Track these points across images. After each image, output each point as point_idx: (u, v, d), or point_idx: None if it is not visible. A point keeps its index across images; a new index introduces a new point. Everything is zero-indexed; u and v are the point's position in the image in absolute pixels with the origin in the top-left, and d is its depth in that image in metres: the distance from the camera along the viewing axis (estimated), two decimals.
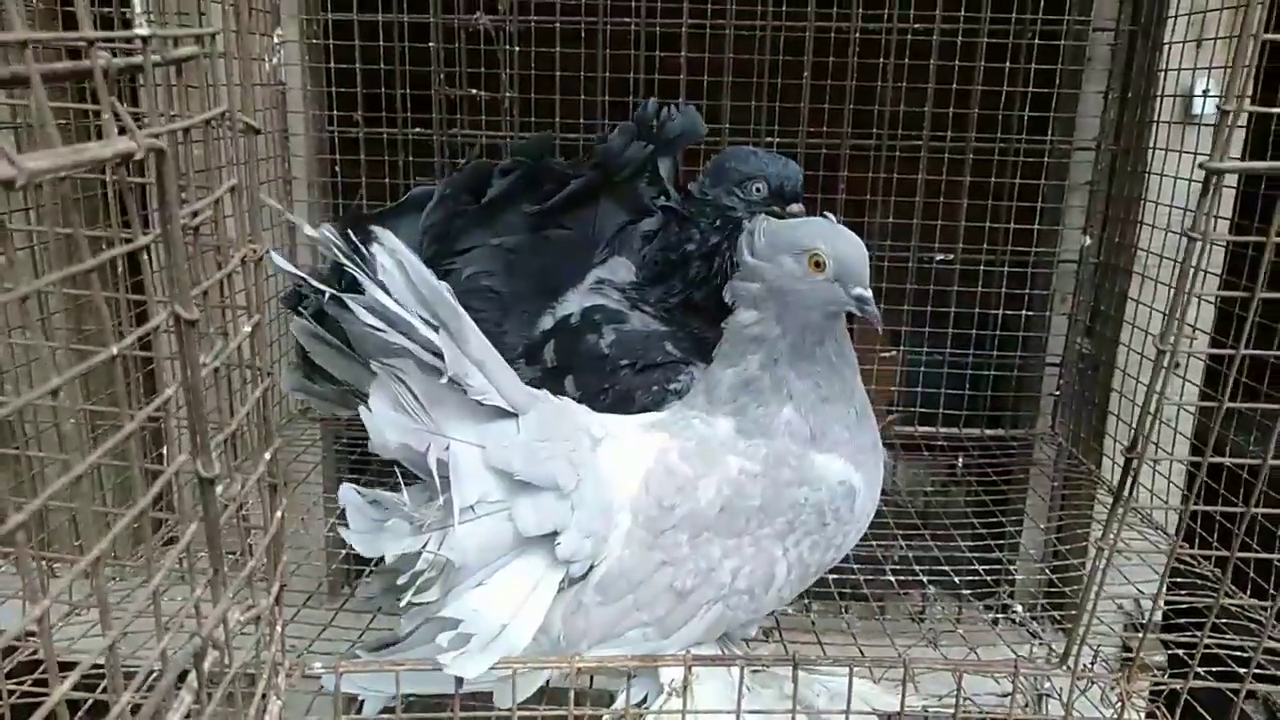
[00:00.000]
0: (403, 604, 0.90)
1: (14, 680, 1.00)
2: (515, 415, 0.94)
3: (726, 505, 0.98)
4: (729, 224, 1.29)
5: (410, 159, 1.75)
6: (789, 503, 0.99)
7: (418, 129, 1.75)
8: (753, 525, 0.99)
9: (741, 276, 1.03)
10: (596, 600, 0.95)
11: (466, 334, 0.91)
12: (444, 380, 0.89)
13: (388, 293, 0.86)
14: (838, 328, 1.03)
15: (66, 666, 0.51)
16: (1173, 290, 0.72)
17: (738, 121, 1.71)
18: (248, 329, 0.65)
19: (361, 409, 0.90)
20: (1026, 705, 1.06)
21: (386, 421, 0.90)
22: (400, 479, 0.92)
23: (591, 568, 0.96)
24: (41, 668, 1.05)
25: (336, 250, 0.88)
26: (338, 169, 1.78)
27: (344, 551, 1.42)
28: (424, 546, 0.89)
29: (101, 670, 0.56)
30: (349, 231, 0.89)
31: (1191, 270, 0.69)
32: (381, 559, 0.93)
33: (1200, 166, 0.67)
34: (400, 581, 0.90)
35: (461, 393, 0.91)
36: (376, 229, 0.89)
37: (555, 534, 0.93)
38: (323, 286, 0.88)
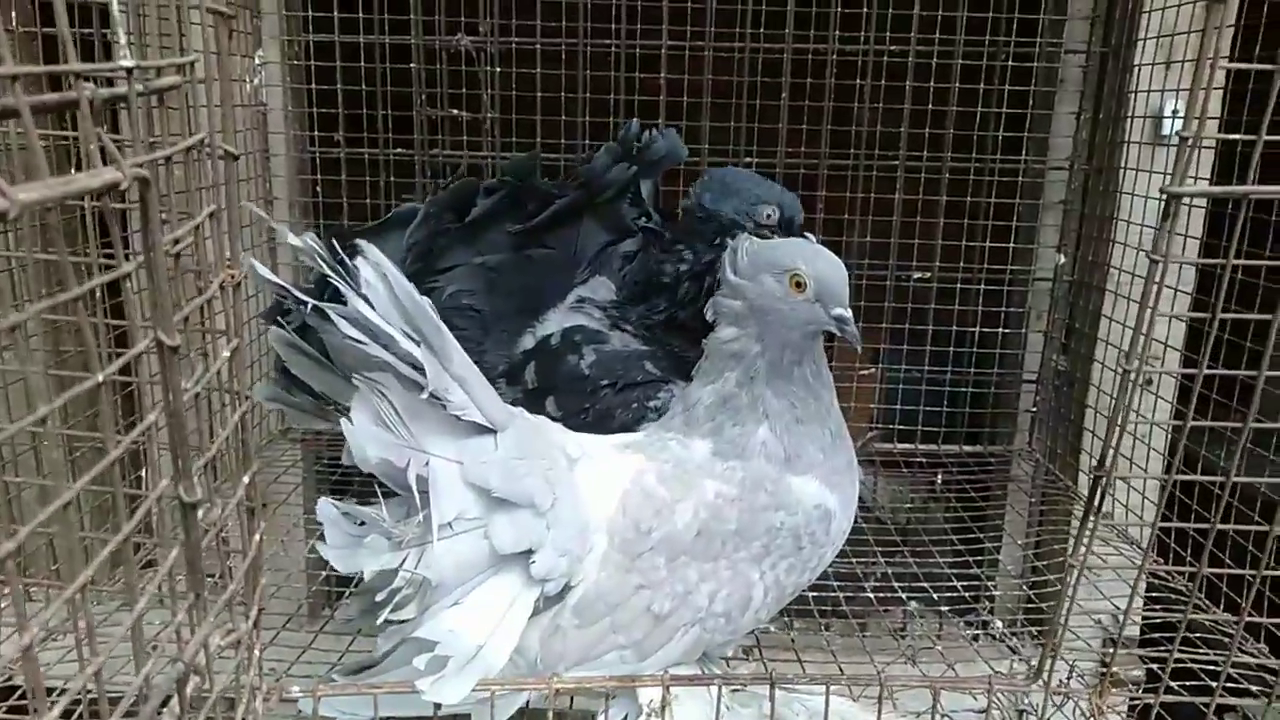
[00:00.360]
0: (379, 621, 0.90)
1: None
2: (494, 432, 0.94)
3: (703, 529, 0.99)
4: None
5: (392, 179, 1.75)
6: (765, 527, 1.00)
7: (399, 149, 1.76)
8: (729, 549, 1.00)
9: (724, 294, 1.04)
10: (574, 623, 0.96)
11: (448, 350, 0.91)
12: (424, 395, 0.89)
13: (371, 305, 0.87)
14: (816, 348, 1.04)
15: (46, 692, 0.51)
16: (1138, 309, 0.74)
17: (717, 141, 1.73)
18: (226, 353, 0.66)
19: (343, 421, 0.90)
20: None
21: (367, 435, 0.90)
22: (380, 495, 0.92)
23: (568, 589, 0.96)
24: (18, 694, 1.05)
25: (320, 259, 0.88)
26: (319, 189, 1.78)
27: (324, 573, 1.41)
28: (402, 564, 0.90)
29: (75, 698, 0.56)
30: (333, 242, 0.90)
31: (1155, 290, 0.71)
32: (360, 580, 0.93)
33: (1161, 191, 0.69)
34: (378, 599, 0.90)
35: (441, 408, 0.91)
36: (361, 243, 0.89)
37: (531, 552, 0.93)
38: (305, 297, 0.88)
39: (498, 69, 1.72)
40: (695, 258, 1.31)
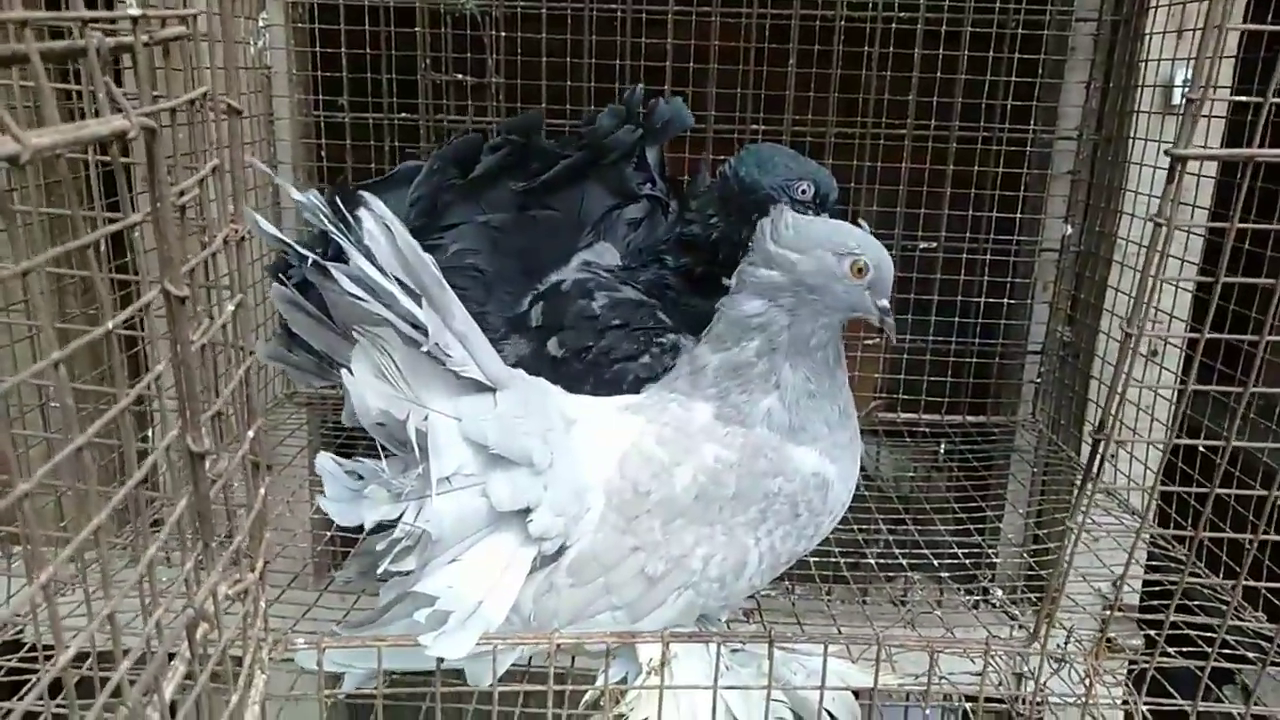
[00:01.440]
0: (379, 571, 0.91)
1: None
2: (493, 390, 0.95)
3: (701, 493, 0.99)
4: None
5: (396, 144, 1.75)
6: (763, 493, 1.01)
7: (404, 114, 1.75)
8: (726, 514, 1.00)
9: (756, 262, 1.02)
10: (568, 582, 0.96)
11: (450, 306, 0.91)
12: (424, 350, 0.89)
13: (372, 259, 0.87)
14: (840, 328, 1.04)
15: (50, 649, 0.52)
16: (1139, 275, 0.74)
17: (723, 108, 1.72)
18: (231, 308, 0.66)
19: (344, 373, 0.91)
20: (1001, 684, 1.08)
21: (367, 386, 0.90)
22: (381, 454, 0.93)
23: (564, 549, 0.97)
24: (27, 648, 1.06)
25: (321, 215, 0.87)
26: (324, 154, 1.77)
27: (329, 534, 1.42)
28: (401, 515, 0.90)
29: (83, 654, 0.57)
30: (336, 199, 0.90)
31: (1157, 255, 0.71)
32: (362, 538, 0.94)
33: (1166, 153, 0.69)
34: (378, 548, 0.91)
35: (441, 365, 0.91)
36: (365, 194, 0.89)
37: (528, 511, 0.93)
38: (306, 252, 0.88)
39: (503, 33, 1.71)
40: (730, 226, 1.30)
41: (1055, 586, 0.85)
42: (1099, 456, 0.78)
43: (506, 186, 1.38)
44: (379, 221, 0.87)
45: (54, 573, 0.49)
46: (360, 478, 0.94)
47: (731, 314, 1.04)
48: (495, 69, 1.73)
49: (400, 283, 0.88)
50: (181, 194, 0.59)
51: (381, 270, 0.87)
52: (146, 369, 0.68)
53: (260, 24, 1.65)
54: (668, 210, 1.44)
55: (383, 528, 0.92)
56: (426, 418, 0.91)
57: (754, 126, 1.73)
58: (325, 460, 0.95)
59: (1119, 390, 0.76)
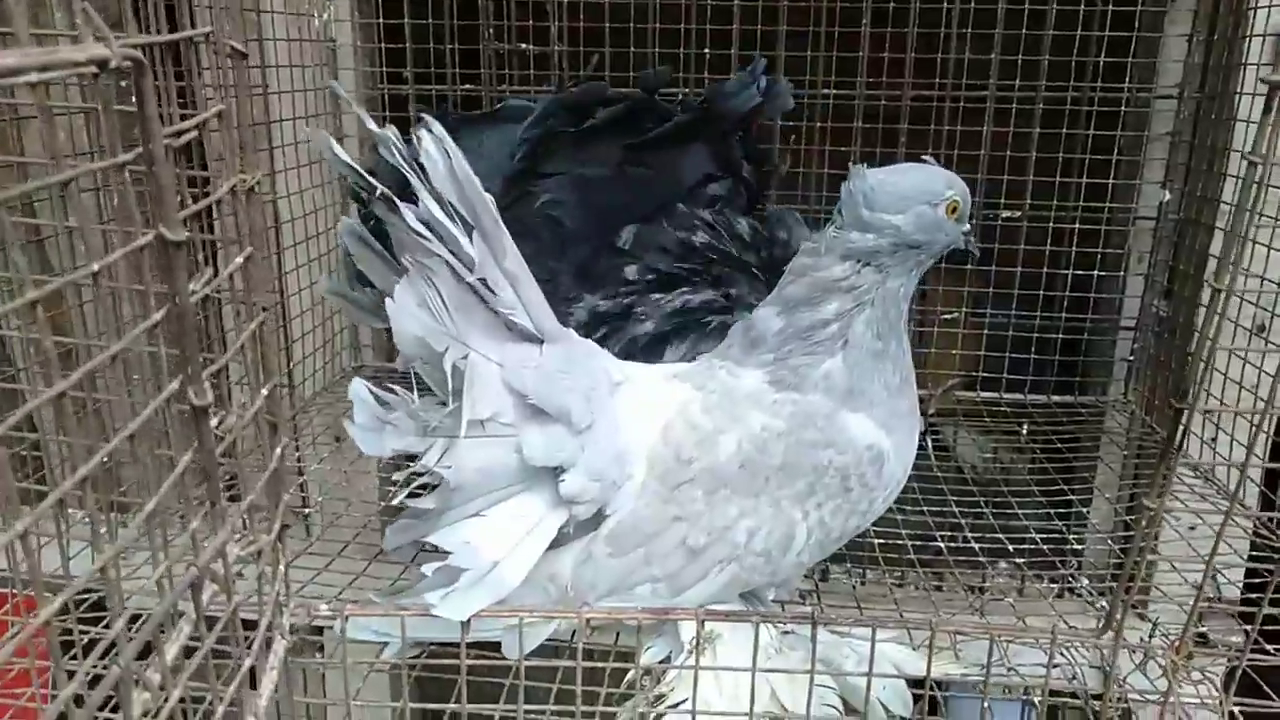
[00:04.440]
0: (394, 501, 0.89)
1: None
2: (540, 342, 0.92)
3: (746, 462, 0.95)
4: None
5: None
6: (812, 464, 0.95)
7: (467, 85, 1.74)
8: (772, 485, 0.95)
9: (849, 227, 0.95)
10: (606, 552, 0.93)
11: (503, 243, 0.88)
12: (470, 283, 0.87)
13: (427, 181, 0.84)
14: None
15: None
16: (1231, 224, 0.65)
17: (793, 72, 1.64)
18: (239, 260, 0.64)
19: (386, 300, 0.88)
20: (1074, 678, 1.00)
21: (409, 314, 0.87)
22: (414, 389, 0.91)
23: (604, 518, 0.93)
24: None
25: (395, 151, 0.86)
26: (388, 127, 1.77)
27: (383, 504, 1.42)
28: (426, 451, 0.88)
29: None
30: (410, 136, 0.87)
31: (1253, 191, 0.62)
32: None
33: (1262, 80, 0.60)
34: (393, 478, 0.89)
35: (488, 306, 0.88)
36: (426, 116, 0.87)
37: (561, 470, 0.90)
38: (374, 183, 0.86)
39: (566, 1, 1.67)
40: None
41: (1133, 571, 0.77)
42: (1182, 429, 0.70)
43: (612, 141, 1.35)
44: (438, 145, 0.84)
45: (33, 523, 0.47)
46: (393, 408, 0.92)
47: (818, 276, 0.97)
48: (558, 37, 1.70)
49: (452, 210, 0.85)
50: (179, 135, 0.57)
51: (440, 200, 0.84)
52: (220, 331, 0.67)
53: None
54: (750, 194, 1.40)
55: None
56: (466, 357, 0.88)
57: (825, 91, 1.65)
58: (358, 385, 0.93)
59: (1204, 358, 0.68)
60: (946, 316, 1.76)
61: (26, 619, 0.49)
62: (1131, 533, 1.49)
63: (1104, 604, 1.46)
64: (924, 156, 1.02)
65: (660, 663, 0.94)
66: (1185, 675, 0.80)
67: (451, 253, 0.85)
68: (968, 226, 1.00)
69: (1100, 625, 0.89)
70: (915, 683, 0.96)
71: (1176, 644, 0.81)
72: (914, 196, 0.94)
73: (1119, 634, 0.79)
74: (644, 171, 1.36)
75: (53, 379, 0.49)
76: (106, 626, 0.95)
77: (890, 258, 0.95)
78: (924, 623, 0.87)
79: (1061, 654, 0.97)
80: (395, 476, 0.91)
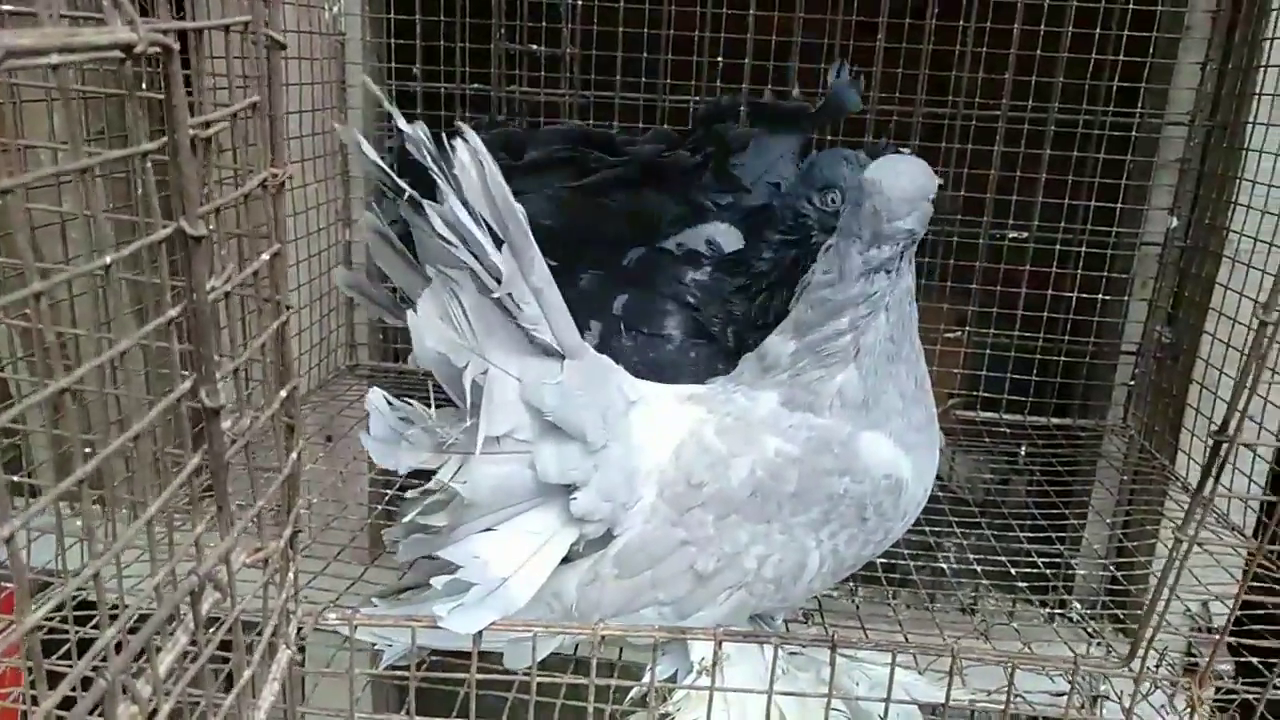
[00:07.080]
0: (406, 520, 0.87)
1: None
2: (561, 358, 0.90)
3: (759, 488, 0.93)
4: (805, 233, 1.20)
5: (467, 115, 1.71)
6: (826, 493, 0.94)
7: (476, 84, 1.72)
8: (785, 512, 0.93)
9: (867, 242, 0.94)
10: (613, 573, 0.91)
11: (532, 258, 0.86)
12: (495, 298, 0.85)
13: (460, 192, 0.82)
14: None
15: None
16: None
17: (806, 86, 1.63)
18: (265, 256, 0.62)
19: (409, 312, 0.86)
20: (1083, 706, 0.99)
21: (430, 328, 0.85)
22: (432, 401, 0.89)
23: (611, 538, 0.91)
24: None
25: (425, 152, 0.83)
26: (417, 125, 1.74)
27: (379, 507, 1.39)
28: (440, 468, 0.86)
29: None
30: (442, 137, 0.85)
31: None
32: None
33: None
34: (406, 495, 0.87)
35: (512, 320, 0.86)
36: (462, 125, 0.85)
37: (574, 488, 0.88)
38: (402, 184, 0.84)
39: (579, 3, 1.66)
40: (776, 252, 1.24)
41: (1158, 605, 0.76)
42: (1220, 460, 0.69)
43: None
44: (473, 154, 0.82)
45: (26, 522, 0.45)
46: (409, 422, 0.90)
47: (839, 300, 0.95)
48: (570, 39, 1.68)
49: (483, 221, 0.83)
50: (208, 125, 0.55)
51: (468, 206, 0.82)
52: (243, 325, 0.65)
53: None
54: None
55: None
56: (485, 372, 0.86)
57: None
58: (375, 396, 0.90)
59: (1247, 387, 0.66)
60: (950, 335, 1.75)
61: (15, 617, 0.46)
62: (1129, 559, 1.50)
63: (1096, 628, 1.47)
64: (901, 149, 1.00)
65: (667, 681, 0.92)
66: (1209, 709, 0.79)
67: (475, 257, 0.83)
68: None
69: (1103, 653, 0.87)
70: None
71: (1199, 679, 0.80)
72: (917, 195, 0.94)
73: (1143, 668, 0.78)
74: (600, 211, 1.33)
75: (53, 373, 0.47)
76: (97, 627, 0.92)
77: (901, 260, 0.95)
78: (940, 648, 0.86)
79: (1068, 681, 0.95)
80: (408, 494, 0.88)
